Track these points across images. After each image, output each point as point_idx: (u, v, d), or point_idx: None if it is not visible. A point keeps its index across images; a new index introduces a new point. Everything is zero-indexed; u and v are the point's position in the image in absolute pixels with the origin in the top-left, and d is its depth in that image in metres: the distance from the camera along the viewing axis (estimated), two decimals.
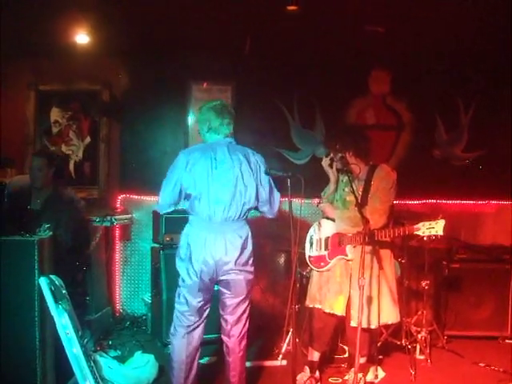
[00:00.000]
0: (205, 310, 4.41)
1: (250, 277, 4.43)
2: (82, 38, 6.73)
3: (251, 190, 4.35)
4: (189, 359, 4.37)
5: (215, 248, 4.23)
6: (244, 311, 4.45)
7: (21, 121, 7.37)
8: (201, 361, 5.20)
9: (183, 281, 4.33)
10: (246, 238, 4.37)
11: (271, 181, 4.49)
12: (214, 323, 4.75)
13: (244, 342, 4.49)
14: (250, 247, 4.40)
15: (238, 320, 4.44)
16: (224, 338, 4.50)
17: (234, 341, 4.44)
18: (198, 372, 4.46)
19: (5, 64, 7.12)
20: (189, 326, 4.35)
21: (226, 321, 4.46)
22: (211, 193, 4.22)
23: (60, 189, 5.78)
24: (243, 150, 4.48)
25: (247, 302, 4.47)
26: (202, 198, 4.23)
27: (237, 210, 4.28)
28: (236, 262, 4.29)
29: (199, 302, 4.33)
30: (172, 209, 4.48)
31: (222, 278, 4.32)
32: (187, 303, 4.33)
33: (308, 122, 7.42)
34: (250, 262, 4.41)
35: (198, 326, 4.39)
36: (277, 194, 4.55)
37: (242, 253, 4.32)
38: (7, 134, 7.02)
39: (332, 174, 4.94)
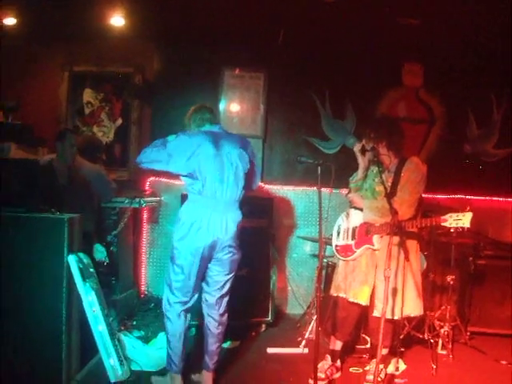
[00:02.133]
0: (199, 287, 4.63)
1: (240, 255, 4.67)
2: (117, 20, 6.77)
3: (245, 172, 4.60)
4: (185, 333, 4.61)
5: (219, 226, 4.44)
6: (229, 288, 4.71)
7: (54, 101, 7.45)
8: (224, 345, 5.30)
9: (184, 259, 4.48)
10: (240, 219, 4.61)
11: (257, 171, 4.88)
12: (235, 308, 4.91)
13: (226, 315, 4.77)
14: (238, 229, 4.63)
15: (224, 295, 4.70)
16: (208, 311, 4.70)
17: (220, 313, 4.69)
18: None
19: (40, 45, 7.23)
20: (185, 303, 4.56)
21: (213, 296, 4.67)
22: (216, 174, 4.44)
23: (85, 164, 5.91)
24: (236, 136, 4.77)
25: (232, 280, 4.71)
26: (208, 178, 4.43)
27: (237, 190, 4.55)
28: (232, 241, 4.53)
29: (197, 279, 4.53)
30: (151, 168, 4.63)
31: (218, 255, 4.52)
32: (186, 280, 4.51)
33: (339, 113, 7.40)
34: (238, 242, 4.63)
35: (191, 304, 4.62)
36: (258, 171, 4.94)
37: (236, 233, 4.55)
38: (40, 113, 7.11)
39: (362, 160, 4.95)
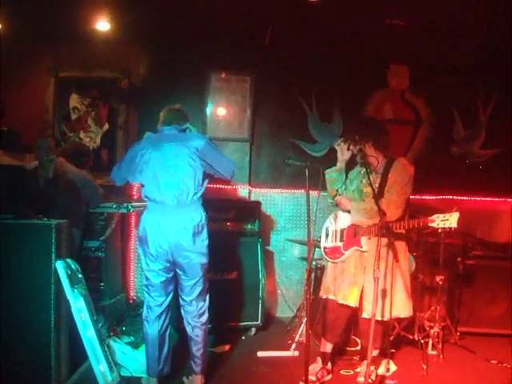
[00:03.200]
0: (169, 290, 4.66)
1: (204, 260, 4.60)
2: (102, 24, 6.74)
3: (199, 173, 4.53)
4: (161, 338, 4.63)
5: (169, 231, 4.43)
6: (201, 291, 4.64)
7: (40, 107, 7.39)
8: (210, 348, 5.42)
9: (145, 263, 4.57)
10: (200, 221, 4.53)
11: (218, 152, 4.70)
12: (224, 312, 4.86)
13: (204, 317, 4.70)
14: (203, 231, 4.57)
15: (196, 299, 4.63)
16: (183, 314, 4.70)
17: (194, 316, 4.65)
18: (170, 347, 4.75)
19: (25, 50, 7.18)
20: (159, 306, 4.60)
21: (184, 300, 4.66)
22: (161, 178, 4.45)
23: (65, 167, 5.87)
24: (188, 136, 4.68)
25: (203, 283, 4.64)
26: (153, 184, 4.47)
27: (187, 193, 4.47)
28: (190, 245, 4.46)
29: (162, 281, 4.57)
30: (123, 183, 4.84)
31: (177, 260, 4.49)
32: (151, 284, 4.58)
33: (326, 115, 7.40)
34: (204, 245, 4.58)
35: (166, 308, 4.65)
36: (227, 161, 4.74)
37: (195, 236, 4.48)
38: (27, 119, 7.05)
39: (341, 154, 4.98)
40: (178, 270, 4.56)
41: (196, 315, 4.63)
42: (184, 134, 4.67)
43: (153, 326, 4.59)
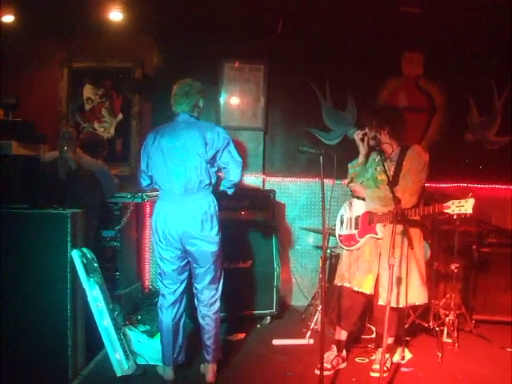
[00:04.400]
0: (183, 278, 4.66)
1: (215, 248, 4.55)
2: (115, 15, 6.73)
3: (204, 163, 4.46)
4: (175, 327, 4.64)
5: (177, 219, 4.43)
6: (212, 279, 4.62)
7: (54, 98, 7.42)
8: (225, 337, 5.54)
9: (157, 251, 4.60)
10: (208, 209, 4.49)
11: (233, 155, 4.57)
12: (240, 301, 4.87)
13: (215, 307, 4.69)
14: (213, 219, 4.52)
15: (207, 287, 4.63)
16: (196, 302, 4.70)
17: (205, 305, 4.64)
18: (185, 336, 4.75)
19: (39, 41, 7.20)
20: (172, 294, 4.61)
21: (196, 288, 4.66)
22: (168, 167, 4.45)
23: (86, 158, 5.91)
24: (200, 125, 4.60)
25: (214, 270, 4.61)
26: (162, 172, 4.49)
27: (194, 181, 4.44)
28: (198, 232, 4.44)
29: (173, 269, 4.57)
30: (149, 182, 4.76)
31: (186, 247, 4.49)
32: (164, 272, 4.61)
33: (340, 103, 7.38)
34: (214, 233, 4.52)
35: (180, 296, 4.66)
36: (237, 169, 4.60)
37: (203, 224, 4.45)
38: (41, 110, 7.08)
39: (363, 147, 4.97)
40: (189, 258, 4.57)
41: (207, 304, 4.63)
42: (197, 121, 4.62)
43: (167, 314, 4.60)
